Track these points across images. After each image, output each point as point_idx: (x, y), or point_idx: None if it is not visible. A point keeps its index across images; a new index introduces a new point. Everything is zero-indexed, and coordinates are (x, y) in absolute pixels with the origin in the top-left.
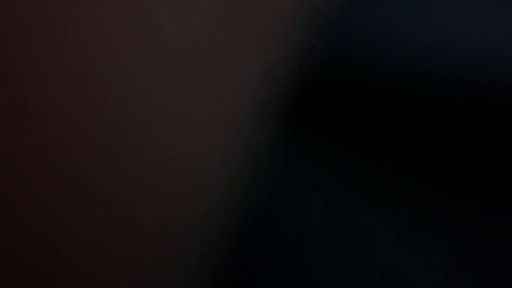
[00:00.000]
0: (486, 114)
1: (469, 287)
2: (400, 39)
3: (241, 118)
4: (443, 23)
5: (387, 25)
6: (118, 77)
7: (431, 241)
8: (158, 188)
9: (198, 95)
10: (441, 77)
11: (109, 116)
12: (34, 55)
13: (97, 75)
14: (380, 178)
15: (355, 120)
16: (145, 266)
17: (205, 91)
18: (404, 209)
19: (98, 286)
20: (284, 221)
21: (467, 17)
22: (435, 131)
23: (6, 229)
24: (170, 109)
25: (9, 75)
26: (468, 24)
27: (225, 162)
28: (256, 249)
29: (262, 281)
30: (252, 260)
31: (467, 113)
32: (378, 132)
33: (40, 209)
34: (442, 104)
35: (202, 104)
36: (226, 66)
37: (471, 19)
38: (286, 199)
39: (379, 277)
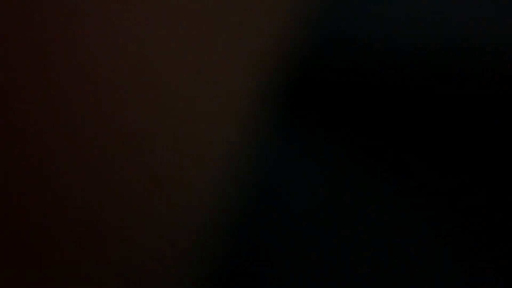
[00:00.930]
0: (484, 110)
1: (468, 287)
2: (394, 29)
3: (235, 115)
4: (437, 16)
5: (381, 16)
6: (114, 75)
7: (430, 239)
8: (156, 186)
9: (194, 91)
10: (437, 70)
11: (107, 114)
12: (38, 55)
13: (95, 75)
14: (378, 173)
15: (351, 114)
16: (142, 265)
17: (200, 88)
18: (403, 206)
19: (97, 286)
20: (280, 217)
21: (458, 9)
22: (431, 124)
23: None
24: (166, 107)
25: (12, 74)
26: (461, 17)
27: (221, 157)
28: (253, 245)
29: (259, 276)
30: (250, 256)
31: (469, 106)
32: (377, 126)
33: (40, 206)
34: (437, 96)
35: (197, 101)
36: (220, 61)
37: (463, 12)
38: (282, 194)
39: (377, 273)
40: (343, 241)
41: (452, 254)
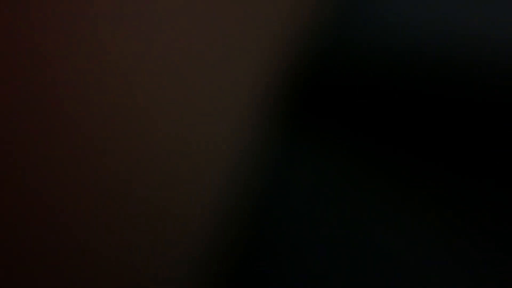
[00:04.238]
0: (491, 111)
1: (468, 287)
2: (402, 32)
3: (240, 116)
4: (446, 14)
5: (387, 18)
6: (116, 77)
7: (431, 240)
8: (158, 188)
9: (199, 94)
10: (445, 72)
11: (109, 115)
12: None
13: (97, 75)
14: (381, 175)
15: (356, 117)
16: (144, 266)
17: (205, 89)
18: (405, 208)
19: (102, 286)
20: (283, 218)
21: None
22: (438, 128)
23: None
24: (170, 109)
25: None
26: (472, 14)
27: (225, 160)
28: (256, 246)
29: (262, 278)
30: (252, 258)
31: (471, 108)
32: (380, 129)
33: (41, 207)
34: (446, 100)
35: (202, 102)
36: (225, 65)
37: (474, 9)
38: (286, 196)
39: (378, 276)
40: (348, 241)
41: (455, 255)
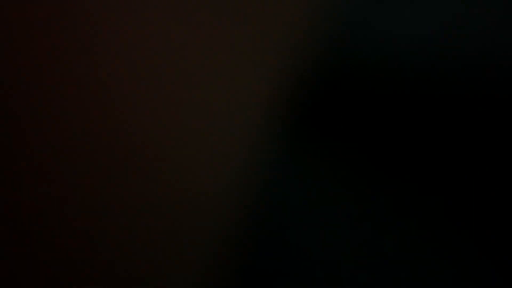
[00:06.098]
0: (489, 116)
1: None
2: (402, 39)
3: (246, 119)
4: (444, 21)
5: (388, 25)
6: (124, 75)
7: (432, 240)
8: (160, 188)
9: (203, 97)
10: (443, 77)
11: (115, 114)
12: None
13: (102, 76)
14: (383, 177)
15: (358, 122)
16: (152, 263)
17: (210, 92)
18: (406, 208)
19: (113, 284)
20: (287, 218)
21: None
22: (439, 130)
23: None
24: (174, 110)
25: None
26: (469, 22)
27: (232, 161)
28: (260, 245)
29: (264, 278)
30: (254, 258)
31: (468, 113)
32: (380, 133)
33: (43, 209)
34: (444, 104)
35: (206, 105)
36: (230, 68)
37: (471, 16)
38: (290, 197)
39: (379, 275)
40: (349, 241)
41: (454, 255)
